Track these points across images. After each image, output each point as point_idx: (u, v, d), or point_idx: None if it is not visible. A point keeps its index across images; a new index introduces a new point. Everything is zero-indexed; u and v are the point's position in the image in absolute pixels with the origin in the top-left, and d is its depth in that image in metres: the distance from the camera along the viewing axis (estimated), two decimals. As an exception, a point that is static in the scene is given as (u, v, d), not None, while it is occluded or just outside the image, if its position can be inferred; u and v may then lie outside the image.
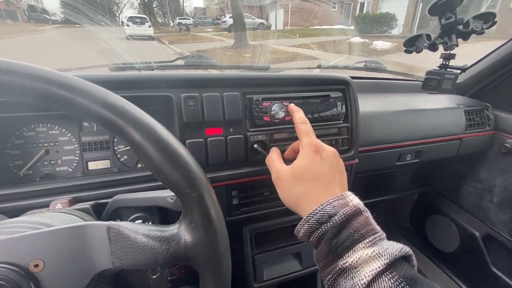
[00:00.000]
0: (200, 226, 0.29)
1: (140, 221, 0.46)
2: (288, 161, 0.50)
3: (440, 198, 1.35)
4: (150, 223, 0.47)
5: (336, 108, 0.66)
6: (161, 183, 0.29)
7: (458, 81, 1.10)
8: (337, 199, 0.38)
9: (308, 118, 0.62)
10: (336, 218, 0.36)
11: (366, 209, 0.38)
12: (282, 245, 0.74)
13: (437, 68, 0.90)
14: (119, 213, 0.45)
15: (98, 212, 0.44)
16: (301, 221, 0.40)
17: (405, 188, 1.35)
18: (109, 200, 0.44)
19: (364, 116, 0.78)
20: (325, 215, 0.37)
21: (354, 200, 0.39)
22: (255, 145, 0.60)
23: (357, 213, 0.37)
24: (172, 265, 0.73)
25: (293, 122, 0.50)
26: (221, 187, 0.61)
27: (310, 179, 0.42)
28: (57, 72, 0.26)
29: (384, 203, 1.24)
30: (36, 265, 0.26)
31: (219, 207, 0.31)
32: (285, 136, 0.63)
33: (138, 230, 0.29)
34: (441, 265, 1.34)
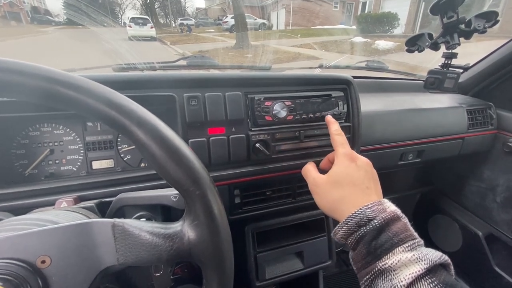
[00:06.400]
0: (203, 223, 0.29)
1: (144, 219, 0.46)
2: (323, 171, 0.51)
3: (443, 198, 1.35)
4: (153, 221, 0.48)
5: (337, 108, 0.66)
6: (164, 181, 0.30)
7: (460, 80, 1.10)
8: (375, 205, 0.39)
9: (310, 118, 0.63)
10: (376, 221, 0.37)
11: (404, 216, 0.39)
12: (284, 244, 0.75)
13: (439, 68, 0.90)
14: (123, 212, 0.46)
15: (102, 210, 0.45)
16: (340, 224, 0.41)
17: (408, 187, 1.35)
18: (113, 198, 0.45)
19: (366, 116, 0.78)
20: (364, 218, 0.38)
21: (391, 207, 0.40)
22: (257, 144, 0.60)
23: (395, 218, 0.38)
24: (175, 264, 0.74)
25: (329, 133, 0.53)
26: (223, 186, 0.61)
27: (348, 184, 0.44)
28: (63, 72, 0.27)
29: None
30: (43, 261, 0.26)
31: (222, 205, 0.31)
32: (287, 135, 0.63)
33: (143, 227, 0.29)
34: (443, 265, 1.34)
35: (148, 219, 0.47)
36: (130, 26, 11.21)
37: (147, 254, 0.29)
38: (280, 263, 0.76)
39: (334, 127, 0.53)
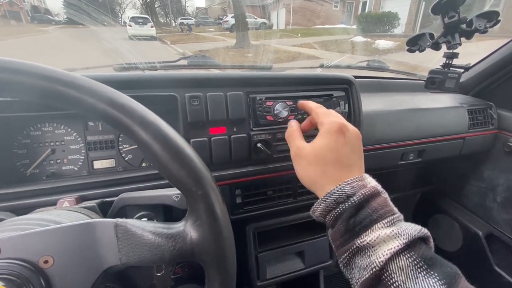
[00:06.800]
0: (206, 223, 0.29)
1: (146, 219, 0.46)
2: (304, 133, 0.48)
3: (443, 198, 1.35)
4: (155, 221, 0.48)
5: (339, 107, 0.66)
6: (165, 181, 0.30)
7: (461, 80, 1.10)
8: (356, 181, 0.38)
9: (311, 117, 0.63)
10: (355, 198, 0.36)
11: (384, 191, 0.38)
12: (285, 244, 0.75)
13: (440, 67, 0.90)
14: (124, 212, 0.46)
15: (104, 210, 0.45)
16: (318, 201, 0.39)
17: (408, 187, 1.35)
18: (115, 198, 0.45)
19: (367, 115, 0.78)
20: (343, 195, 0.37)
21: (372, 182, 0.39)
22: (259, 144, 0.60)
23: (375, 194, 0.37)
24: (176, 264, 0.74)
25: (309, 112, 0.48)
26: (224, 186, 0.61)
27: (331, 160, 0.41)
28: (65, 72, 0.27)
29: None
30: (46, 261, 0.26)
31: (224, 205, 0.31)
32: (288, 135, 0.63)
33: (145, 227, 0.29)
34: (444, 264, 1.34)
35: (150, 219, 0.47)
36: (130, 25, 11.23)
37: (150, 254, 0.29)
38: (281, 263, 0.76)
39: (311, 103, 0.48)
